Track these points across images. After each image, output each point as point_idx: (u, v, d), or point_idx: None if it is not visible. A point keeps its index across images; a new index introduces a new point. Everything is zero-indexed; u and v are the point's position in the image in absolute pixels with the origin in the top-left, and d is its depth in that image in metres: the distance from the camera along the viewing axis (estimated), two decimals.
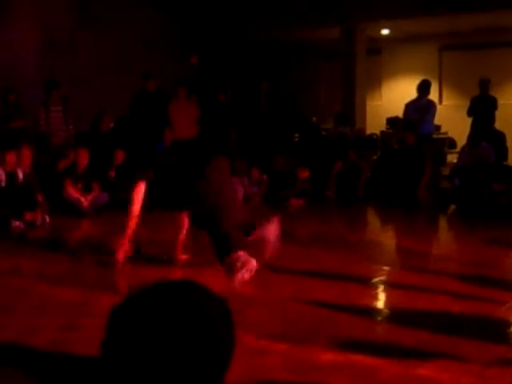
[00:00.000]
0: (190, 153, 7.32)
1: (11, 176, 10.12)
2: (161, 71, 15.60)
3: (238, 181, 12.47)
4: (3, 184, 10.01)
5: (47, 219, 10.20)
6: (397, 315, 5.64)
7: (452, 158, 16.06)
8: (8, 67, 14.38)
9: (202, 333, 1.47)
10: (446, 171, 14.30)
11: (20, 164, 10.27)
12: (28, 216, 9.91)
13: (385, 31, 18.08)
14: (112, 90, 14.88)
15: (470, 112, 14.35)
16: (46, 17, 15.28)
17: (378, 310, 5.92)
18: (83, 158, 11.53)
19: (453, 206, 12.19)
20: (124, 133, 13.35)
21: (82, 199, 11.15)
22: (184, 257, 7.41)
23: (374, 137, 17.54)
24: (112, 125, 13.41)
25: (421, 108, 13.43)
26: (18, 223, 9.73)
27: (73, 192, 11.16)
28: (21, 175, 10.28)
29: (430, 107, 13.62)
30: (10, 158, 10.09)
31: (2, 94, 13.00)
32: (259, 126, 14.38)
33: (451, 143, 17.29)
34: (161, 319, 1.47)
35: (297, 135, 16.50)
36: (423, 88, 13.71)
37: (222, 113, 14.24)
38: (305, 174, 13.09)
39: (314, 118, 18.16)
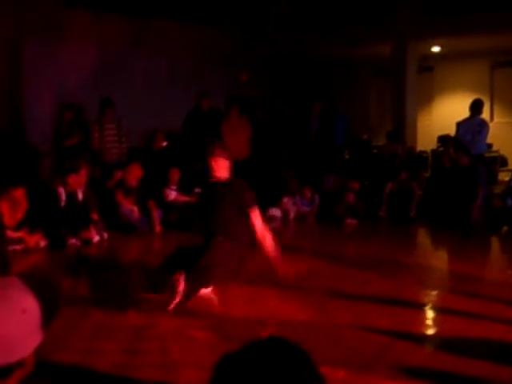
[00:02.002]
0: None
1: (71, 196, 10.32)
2: (213, 88, 15.77)
3: (291, 200, 12.58)
4: (63, 204, 10.22)
5: (105, 236, 10.42)
6: (454, 344, 5.62)
7: (503, 176, 15.97)
8: (64, 85, 14.65)
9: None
10: (497, 189, 14.23)
11: (79, 184, 10.47)
12: (83, 234, 10.11)
13: (436, 48, 18.03)
14: (165, 108, 15.08)
15: None
16: (101, 37, 15.55)
17: (436, 338, 5.90)
18: (135, 173, 11.61)
19: (505, 227, 12.11)
20: (177, 151, 13.49)
21: (134, 208, 11.29)
22: None
23: (424, 155, 17.50)
24: (165, 143, 13.56)
25: (473, 128, 13.32)
26: (74, 241, 9.95)
27: (125, 202, 11.27)
28: (80, 195, 10.47)
29: (483, 127, 13.50)
30: (72, 180, 10.28)
31: (60, 111, 13.25)
32: (310, 145, 14.38)
33: (503, 161, 17.20)
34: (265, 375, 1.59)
35: (347, 152, 16.52)
36: (476, 107, 13.58)
37: (272, 132, 14.28)
38: (355, 184, 13.12)
39: (365, 136, 18.19)
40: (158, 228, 11.28)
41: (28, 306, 2.09)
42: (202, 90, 14.11)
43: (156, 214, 11.43)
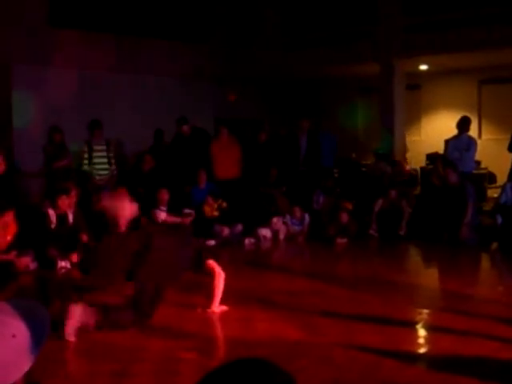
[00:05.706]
0: None
1: (62, 218, 10.29)
2: (199, 108, 15.80)
3: (281, 220, 12.57)
4: (53, 226, 10.18)
5: None
6: (445, 362, 5.62)
7: (492, 193, 15.98)
8: (49, 107, 14.64)
9: None
10: (486, 206, 14.26)
11: (69, 206, 10.44)
12: (73, 257, 10.06)
13: (423, 66, 18.10)
14: (151, 129, 15.02)
15: (511, 147, 14.19)
16: (88, 56, 15.56)
17: (426, 357, 5.89)
18: None
19: (495, 244, 12.11)
20: (165, 173, 13.46)
21: None
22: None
23: (414, 172, 17.52)
24: (153, 164, 13.55)
25: (461, 145, 13.38)
26: (63, 263, 9.89)
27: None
28: (71, 218, 10.45)
29: (471, 144, 13.55)
30: (63, 202, 10.25)
31: (49, 133, 13.25)
32: (300, 164, 14.34)
33: (491, 178, 17.20)
34: None
35: (336, 171, 16.51)
36: (463, 125, 13.62)
37: (263, 152, 14.23)
38: (348, 205, 13.13)
39: (354, 154, 18.21)
40: None
41: (18, 331, 2.09)
42: (179, 117, 14.04)
43: None
